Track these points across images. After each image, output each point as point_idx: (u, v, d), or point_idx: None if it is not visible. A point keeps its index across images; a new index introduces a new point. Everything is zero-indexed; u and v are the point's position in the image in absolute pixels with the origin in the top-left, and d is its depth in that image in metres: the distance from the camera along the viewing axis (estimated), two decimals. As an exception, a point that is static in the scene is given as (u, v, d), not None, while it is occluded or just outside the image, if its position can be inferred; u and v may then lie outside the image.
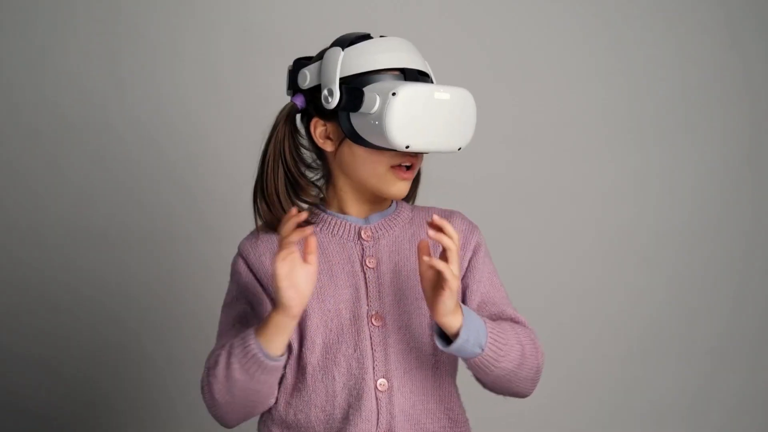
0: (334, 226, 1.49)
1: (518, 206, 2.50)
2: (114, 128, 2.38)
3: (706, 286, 2.56)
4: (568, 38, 2.51)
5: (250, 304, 1.50)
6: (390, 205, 1.54)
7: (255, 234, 1.51)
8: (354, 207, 1.50)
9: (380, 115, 1.37)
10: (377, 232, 1.50)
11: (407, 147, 1.38)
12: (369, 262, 1.48)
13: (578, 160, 2.52)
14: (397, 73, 1.43)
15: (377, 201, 1.51)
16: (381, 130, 1.37)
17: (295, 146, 1.49)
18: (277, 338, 1.36)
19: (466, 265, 1.51)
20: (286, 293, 1.34)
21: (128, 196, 2.38)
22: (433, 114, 1.40)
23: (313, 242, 1.35)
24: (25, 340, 2.37)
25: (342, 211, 1.51)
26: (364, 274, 1.47)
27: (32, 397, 2.38)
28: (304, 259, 1.35)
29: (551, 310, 2.47)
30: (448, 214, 1.53)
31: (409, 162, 1.46)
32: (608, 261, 2.53)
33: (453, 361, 1.50)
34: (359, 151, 1.44)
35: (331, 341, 1.45)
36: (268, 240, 1.49)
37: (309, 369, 1.45)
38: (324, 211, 1.51)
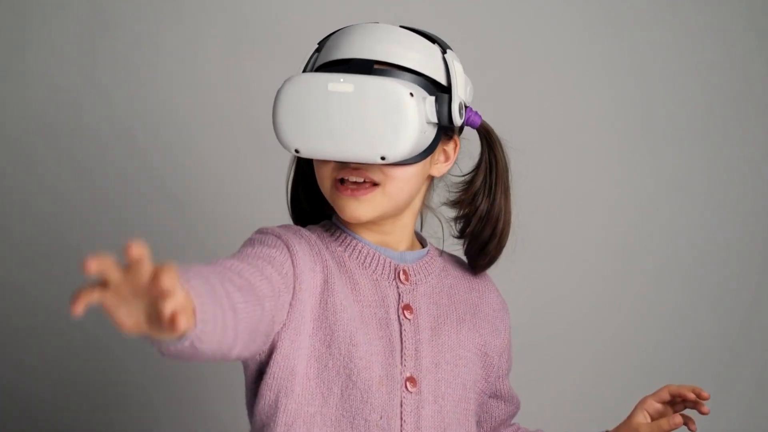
0: (366, 256, 1.26)
1: (520, 212, 2.44)
2: (91, 131, 2.29)
3: (719, 302, 2.49)
4: (578, 37, 2.46)
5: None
6: (424, 246, 1.34)
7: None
8: (370, 237, 1.29)
9: None
10: (416, 275, 1.28)
11: (297, 151, 1.17)
12: (406, 312, 1.25)
13: (586, 166, 2.46)
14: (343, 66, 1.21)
15: (389, 231, 1.29)
16: None
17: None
18: None
19: (507, 354, 1.37)
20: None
21: (107, 205, 2.29)
22: (327, 110, 1.15)
23: (136, 251, 0.83)
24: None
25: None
26: (401, 325, 1.24)
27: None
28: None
29: (552, 325, 2.41)
30: (479, 279, 1.38)
31: (343, 175, 1.22)
32: (614, 275, 2.46)
33: None
34: (313, 162, 1.26)
35: (353, 398, 1.21)
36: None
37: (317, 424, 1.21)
38: (348, 233, 1.28)
